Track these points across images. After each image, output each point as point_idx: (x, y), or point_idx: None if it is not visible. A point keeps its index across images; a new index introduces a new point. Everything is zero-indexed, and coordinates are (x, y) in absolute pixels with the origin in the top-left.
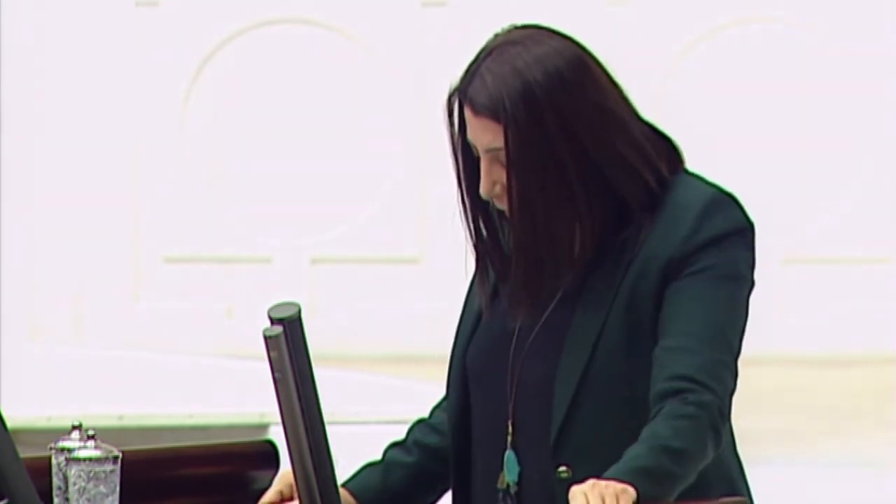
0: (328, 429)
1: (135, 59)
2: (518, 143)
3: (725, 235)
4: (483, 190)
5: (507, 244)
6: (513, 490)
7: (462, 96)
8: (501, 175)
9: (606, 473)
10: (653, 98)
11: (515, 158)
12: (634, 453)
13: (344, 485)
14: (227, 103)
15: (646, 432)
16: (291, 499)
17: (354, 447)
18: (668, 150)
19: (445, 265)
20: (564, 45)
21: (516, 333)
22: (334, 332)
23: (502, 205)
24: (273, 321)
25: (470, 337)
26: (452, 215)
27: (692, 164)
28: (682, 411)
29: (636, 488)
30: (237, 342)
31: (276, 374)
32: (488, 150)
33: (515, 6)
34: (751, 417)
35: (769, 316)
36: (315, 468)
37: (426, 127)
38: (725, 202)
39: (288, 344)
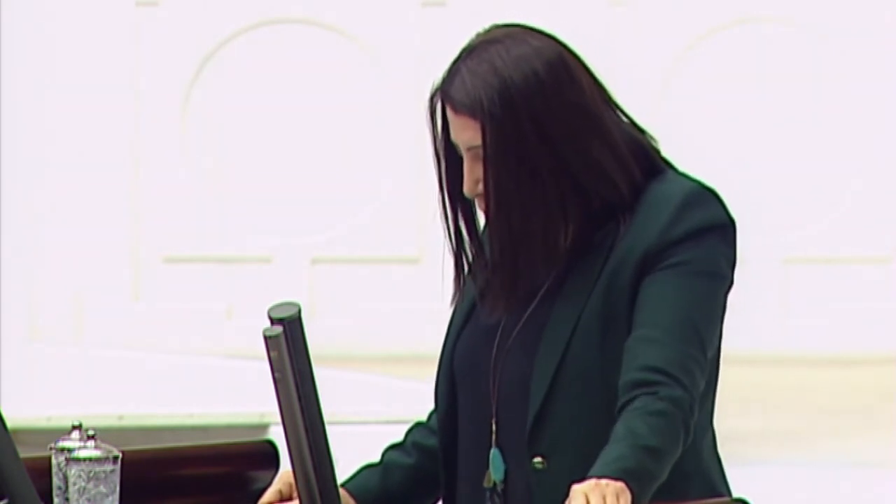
0: (328, 429)
1: (135, 59)
2: (494, 141)
3: (704, 230)
4: (466, 188)
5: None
6: (499, 488)
7: (444, 95)
8: (482, 174)
9: (592, 473)
10: (653, 98)
11: (491, 156)
12: (617, 454)
13: (343, 485)
14: (227, 103)
15: (622, 429)
16: (290, 498)
17: (354, 447)
18: (648, 153)
19: (445, 265)
20: (545, 44)
21: (499, 332)
22: (334, 332)
23: (484, 202)
24: (273, 321)
25: (457, 337)
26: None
27: (692, 163)
28: (656, 407)
29: (630, 489)
30: (237, 342)
31: (276, 374)
32: (469, 149)
33: (515, 6)
34: (751, 417)
35: (769, 316)
36: (315, 468)
37: (426, 127)
38: (705, 196)
39: (288, 344)
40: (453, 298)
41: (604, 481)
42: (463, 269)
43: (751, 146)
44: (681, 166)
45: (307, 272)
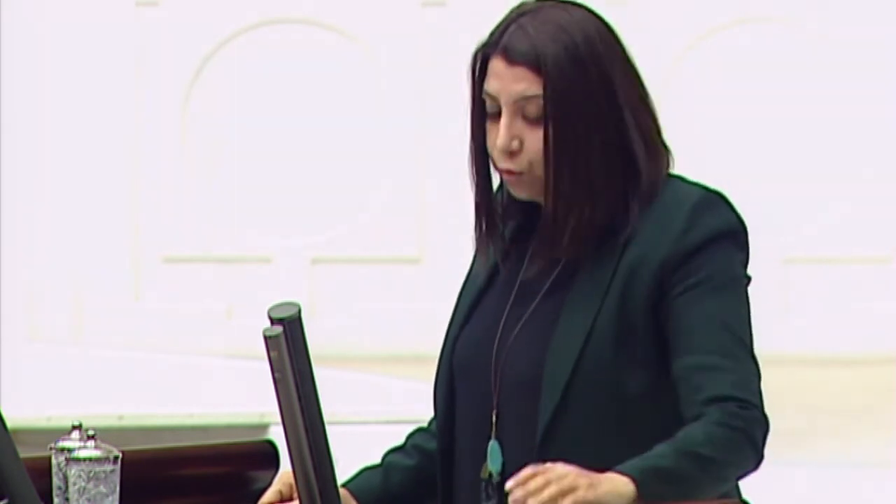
0: (328, 429)
1: (135, 59)
2: (557, 94)
3: (718, 237)
4: (501, 143)
5: (503, 206)
6: (495, 479)
7: (493, 49)
8: (523, 130)
9: (620, 466)
10: (653, 98)
11: (552, 109)
12: (659, 451)
13: (343, 485)
14: (227, 103)
15: (680, 433)
16: (291, 499)
17: (354, 447)
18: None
19: (445, 265)
20: (598, 19)
21: (502, 324)
22: (334, 332)
23: (514, 162)
24: (273, 321)
25: (458, 335)
26: (452, 215)
27: (692, 162)
28: (723, 420)
29: (639, 484)
30: (237, 342)
31: (276, 374)
32: (517, 101)
33: (515, 6)
34: None
35: (769, 316)
36: (315, 468)
37: (426, 127)
38: (715, 201)
39: (288, 344)
40: (476, 256)
41: (566, 470)
42: (484, 226)
43: (751, 146)
44: (681, 166)
45: (307, 272)
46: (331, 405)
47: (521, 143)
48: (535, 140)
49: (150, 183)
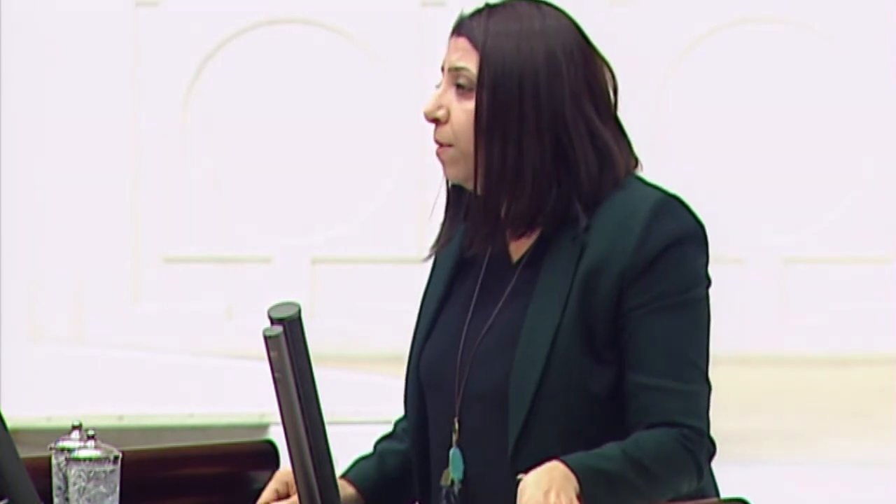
0: (328, 429)
1: (135, 59)
2: (490, 77)
3: (675, 242)
4: (425, 108)
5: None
6: (457, 488)
7: (458, 24)
8: (452, 101)
9: (568, 458)
10: (653, 98)
11: (482, 89)
12: (608, 453)
13: (342, 476)
14: (227, 103)
15: (632, 439)
16: (288, 496)
17: (354, 447)
18: (629, 153)
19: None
20: (571, 30)
21: (464, 335)
22: (334, 332)
23: (439, 132)
24: (273, 321)
25: (423, 346)
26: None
27: (692, 162)
28: (677, 439)
29: (582, 482)
30: (237, 342)
31: (276, 374)
32: (451, 69)
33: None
34: (751, 417)
35: (769, 316)
36: (315, 468)
37: (426, 126)
38: (671, 205)
39: (288, 344)
40: (429, 290)
41: (560, 495)
42: (451, 212)
43: (750, 146)
44: (681, 166)
45: (307, 272)
46: (331, 405)
47: (448, 114)
48: (460, 112)
49: (150, 183)
